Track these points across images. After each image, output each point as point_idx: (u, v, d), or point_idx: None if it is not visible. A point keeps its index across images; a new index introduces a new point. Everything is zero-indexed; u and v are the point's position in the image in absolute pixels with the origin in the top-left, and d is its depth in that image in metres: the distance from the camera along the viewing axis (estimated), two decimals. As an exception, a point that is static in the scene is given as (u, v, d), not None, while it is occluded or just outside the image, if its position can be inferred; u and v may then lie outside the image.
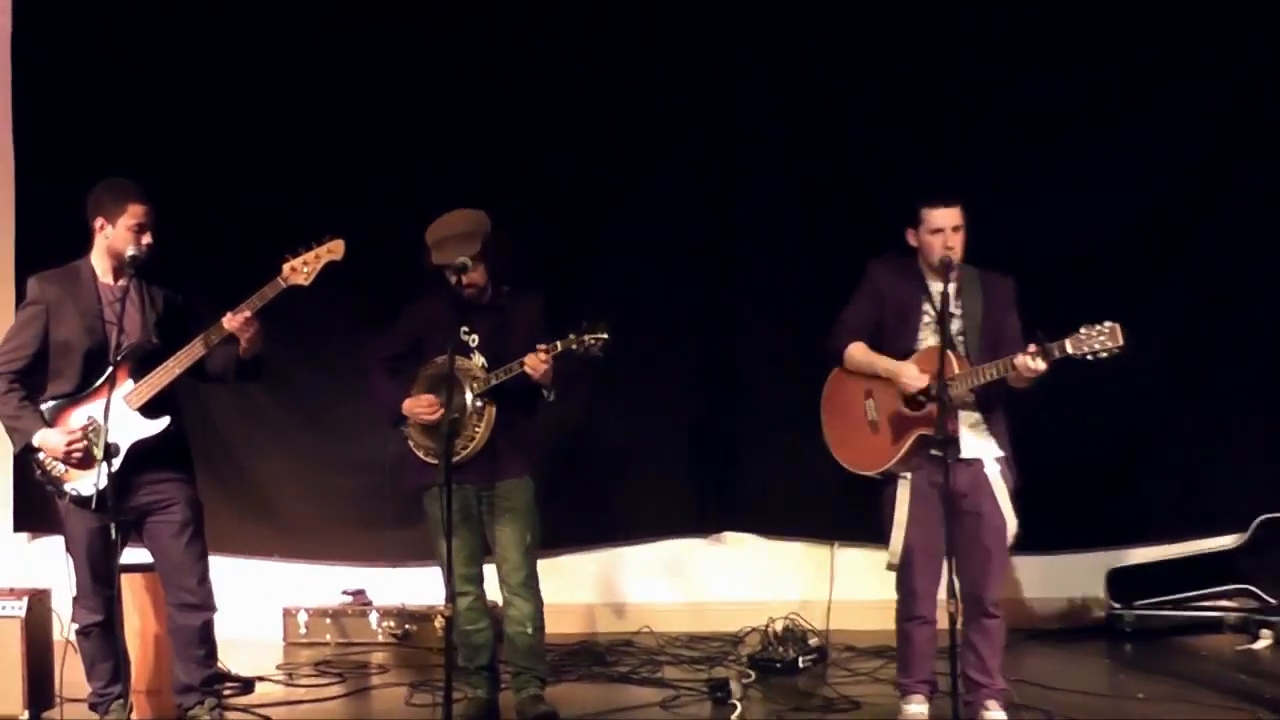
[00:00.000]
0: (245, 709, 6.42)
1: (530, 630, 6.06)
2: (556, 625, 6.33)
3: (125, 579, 5.81)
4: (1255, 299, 7.69)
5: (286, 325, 6.98)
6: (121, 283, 5.64)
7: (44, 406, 5.61)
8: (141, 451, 5.56)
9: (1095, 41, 7.66)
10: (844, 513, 7.57)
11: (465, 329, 6.01)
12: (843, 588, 7.74)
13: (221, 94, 7.93)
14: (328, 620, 7.92)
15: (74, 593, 5.68)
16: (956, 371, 5.55)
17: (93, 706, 5.84)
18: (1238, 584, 7.61)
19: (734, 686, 6.45)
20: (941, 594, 5.48)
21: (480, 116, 7.95)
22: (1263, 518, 7.67)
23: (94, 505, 5.45)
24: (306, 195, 7.61)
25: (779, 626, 7.23)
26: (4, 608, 6.25)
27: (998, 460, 5.73)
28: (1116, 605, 7.69)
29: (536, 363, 5.74)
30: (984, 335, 5.72)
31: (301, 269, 5.61)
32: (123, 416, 5.50)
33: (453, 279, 5.86)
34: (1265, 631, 7.35)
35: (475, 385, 5.89)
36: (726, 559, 8.21)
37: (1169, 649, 7.39)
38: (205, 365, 5.69)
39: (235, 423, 8.12)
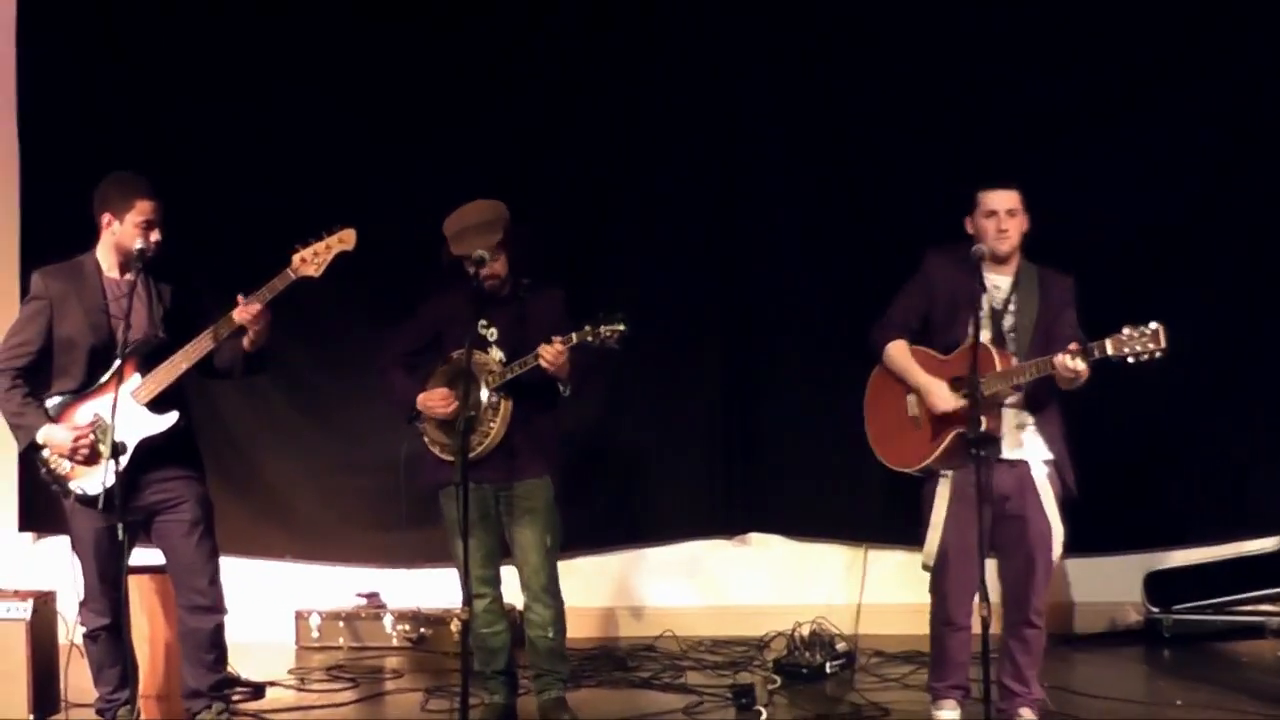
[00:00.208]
0: (256, 715, 6.43)
1: (552, 634, 6.05)
2: (576, 629, 6.32)
3: (133, 581, 5.77)
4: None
5: (297, 322, 7.04)
6: (128, 277, 5.64)
7: (48, 403, 5.60)
8: (149, 449, 5.54)
9: (1096, 41, 7.68)
10: (874, 514, 7.60)
11: (483, 322, 5.99)
12: (871, 591, 7.72)
13: (221, 94, 7.99)
14: (341, 623, 7.91)
15: (80, 595, 5.67)
16: (997, 368, 5.52)
17: (100, 712, 5.81)
18: (1280, 587, 7.57)
19: (759, 692, 6.46)
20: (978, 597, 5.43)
21: (480, 116, 8.01)
22: (1306, 518, 7.61)
23: (101, 505, 5.43)
24: (306, 195, 7.65)
25: (805, 631, 7.19)
26: (9, 610, 6.24)
27: (1046, 463, 5.68)
28: (1154, 609, 7.64)
29: (552, 355, 5.72)
30: (1037, 334, 5.66)
31: (312, 260, 5.61)
32: (130, 413, 5.48)
33: (472, 270, 5.84)
34: (1308, 636, 7.33)
35: (491, 380, 5.87)
36: (751, 561, 8.19)
37: (1208, 654, 7.34)
38: (212, 360, 5.67)
39: (247, 421, 8.15)
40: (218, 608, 5.75)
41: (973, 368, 5.36)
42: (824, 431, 7.82)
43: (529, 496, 6.01)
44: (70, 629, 6.05)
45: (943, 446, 5.65)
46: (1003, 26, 7.68)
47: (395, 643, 7.81)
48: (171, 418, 5.59)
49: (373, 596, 8.04)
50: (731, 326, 8.10)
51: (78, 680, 6.09)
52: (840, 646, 7.15)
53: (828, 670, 6.98)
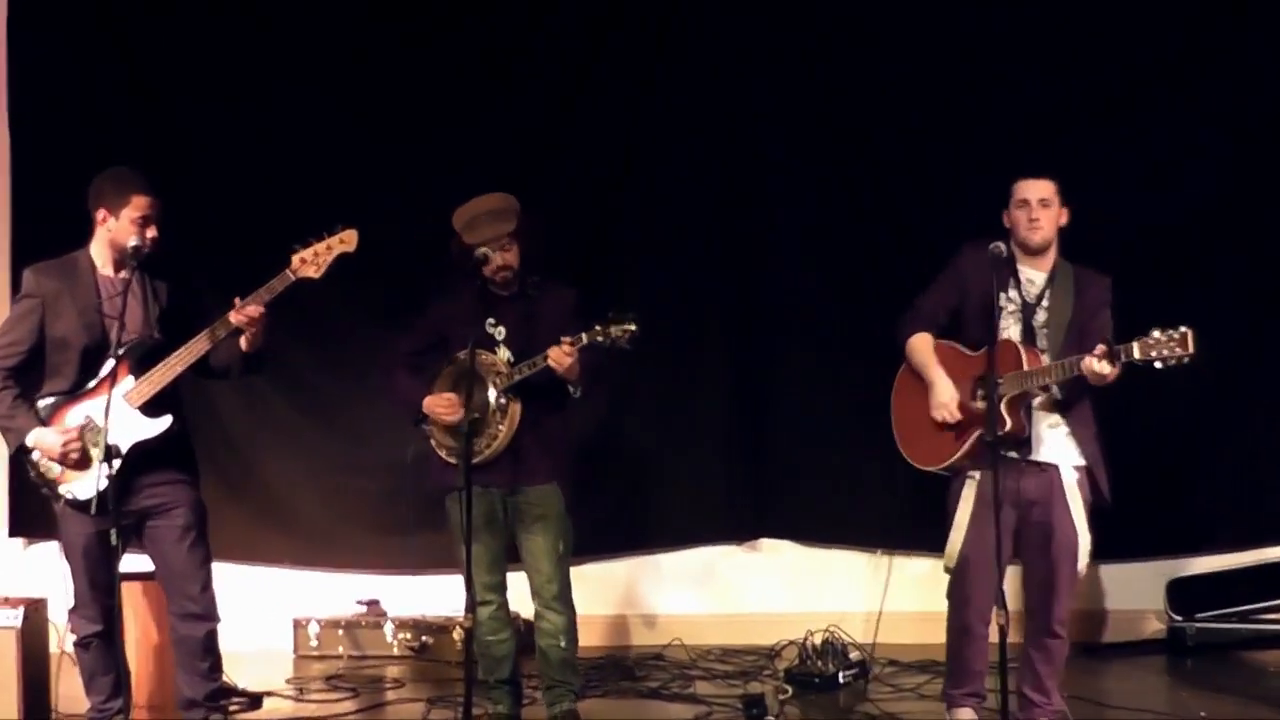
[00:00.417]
0: (253, 725, 6.44)
1: (563, 644, 6.03)
2: (583, 637, 6.30)
3: (125, 587, 5.76)
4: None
5: (298, 323, 7.05)
6: (123, 275, 5.61)
7: (40, 404, 5.57)
8: (142, 452, 5.51)
9: (1096, 41, 7.72)
10: (889, 519, 7.61)
11: (491, 321, 5.98)
12: (886, 599, 7.70)
13: (221, 94, 8.02)
14: (340, 632, 7.90)
15: (71, 602, 5.65)
16: (1024, 367, 5.49)
17: (91, 722, 5.80)
18: (1307, 596, 7.55)
19: (770, 703, 6.45)
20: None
21: (480, 116, 8.06)
22: (1334, 525, 7.59)
23: (93, 509, 5.41)
24: (307, 195, 7.67)
25: (818, 639, 7.16)
26: (-1, 618, 6.25)
27: (1077, 469, 5.64)
28: (1177, 617, 7.64)
29: (561, 355, 5.70)
30: (1069, 334, 5.63)
31: (312, 261, 5.58)
32: (123, 416, 5.45)
33: (478, 267, 5.80)
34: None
35: (499, 381, 5.85)
36: (762, 568, 8.21)
37: (1233, 664, 7.35)
38: (208, 361, 5.64)
39: (244, 423, 8.16)
40: (210, 615, 5.71)
41: (989, 368, 5.35)
42: (836, 433, 7.86)
43: (540, 503, 5.99)
44: (61, 636, 6.04)
45: (966, 446, 5.63)
46: (1003, 26, 7.74)
47: (396, 651, 7.81)
48: (165, 422, 5.55)
49: (373, 604, 8.03)
50: (738, 326, 8.15)
51: (69, 689, 6.08)
52: (854, 655, 7.13)
53: (841, 680, 6.95)
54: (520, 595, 6.18)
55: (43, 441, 5.50)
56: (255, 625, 7.62)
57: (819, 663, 7.02)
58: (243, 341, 5.58)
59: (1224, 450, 7.75)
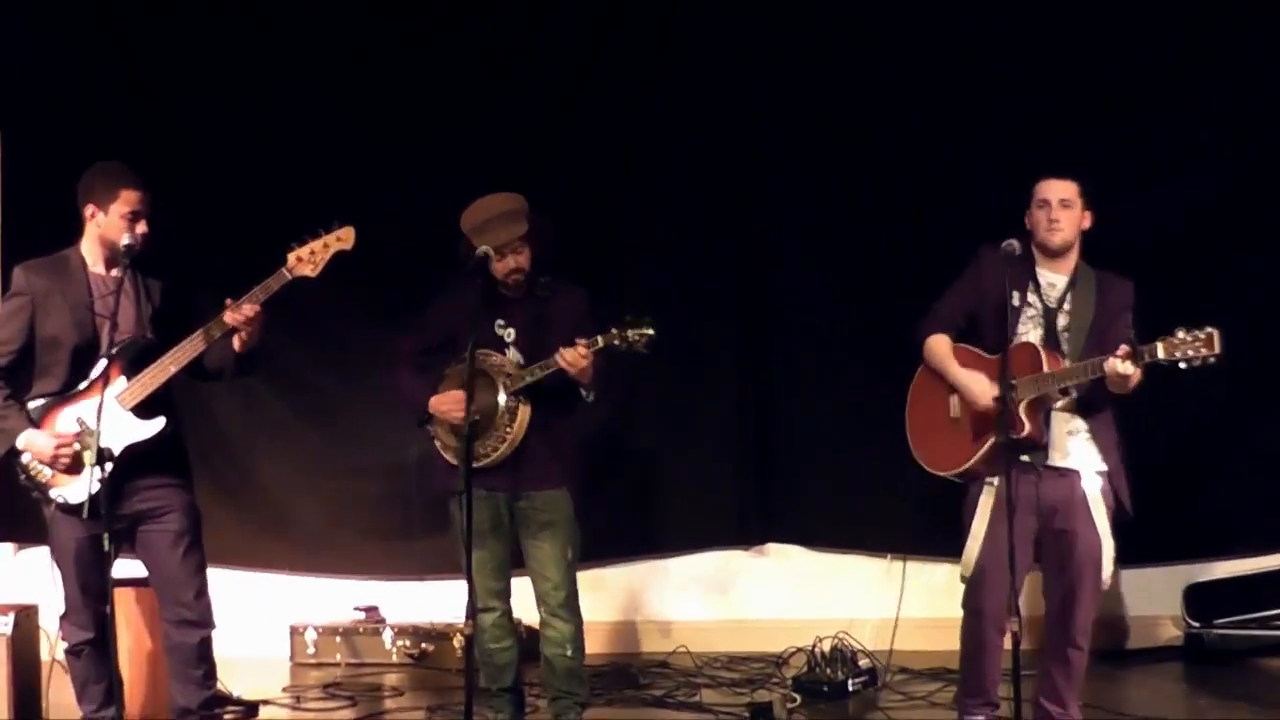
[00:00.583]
0: (249, 734, 6.43)
1: (570, 652, 6.00)
2: (587, 644, 6.28)
3: (118, 593, 5.75)
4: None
5: (295, 323, 7.06)
6: (115, 273, 5.58)
7: (30, 406, 5.54)
8: (134, 455, 5.49)
9: (1096, 41, 7.75)
10: (899, 524, 7.60)
11: (500, 322, 5.96)
12: (897, 605, 7.70)
13: (221, 93, 8.06)
14: (338, 639, 7.90)
15: (62, 608, 5.63)
16: (1045, 370, 5.47)
17: (84, 731, 5.79)
18: (1328, 601, 7.52)
19: (778, 711, 6.45)
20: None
21: (480, 116, 8.10)
22: (1356, 529, 7.57)
23: (85, 513, 5.38)
24: (307, 195, 7.68)
25: (826, 646, 7.16)
26: (-11, 625, 6.24)
27: (1099, 474, 5.61)
28: (1195, 624, 7.64)
29: (575, 358, 5.67)
30: (1090, 338, 5.60)
31: (309, 259, 5.57)
32: (114, 418, 5.42)
33: (486, 259, 5.78)
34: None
35: (509, 383, 5.83)
36: (769, 573, 8.22)
37: (1252, 671, 7.34)
38: (202, 361, 5.62)
39: (240, 425, 8.17)
40: (204, 622, 5.69)
41: (1003, 370, 5.32)
42: (845, 437, 7.89)
43: (547, 508, 5.96)
44: (53, 644, 6.02)
45: (982, 451, 5.60)
46: (1003, 26, 7.77)
47: (395, 659, 7.80)
48: (158, 424, 5.54)
49: (372, 610, 8.03)
50: (742, 327, 8.19)
51: (60, 698, 6.08)
52: (863, 663, 7.12)
53: (850, 688, 6.95)
54: (522, 601, 6.16)
55: (34, 444, 5.48)
56: (251, 632, 7.60)
57: (828, 670, 7.02)
58: (236, 341, 5.56)
59: (1242, 452, 7.71)
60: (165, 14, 8.07)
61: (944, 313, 5.84)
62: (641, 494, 8.16)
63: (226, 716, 6.40)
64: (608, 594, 8.05)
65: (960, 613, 5.79)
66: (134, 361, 5.54)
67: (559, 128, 8.10)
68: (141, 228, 5.55)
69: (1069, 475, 5.59)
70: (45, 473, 5.51)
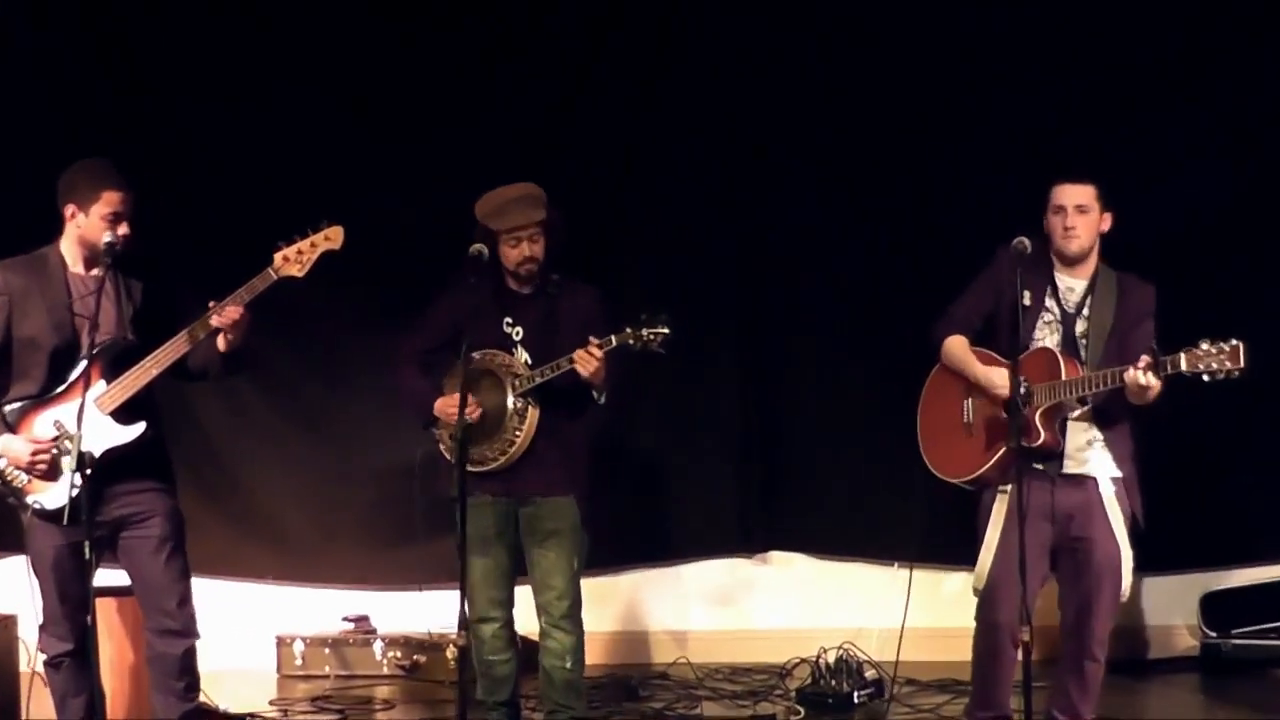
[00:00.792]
0: (234, 749, 6.41)
1: (569, 665, 5.97)
2: (586, 656, 6.27)
3: (99, 603, 5.66)
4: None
5: (283, 324, 7.05)
6: (95, 273, 5.56)
7: (6, 409, 5.52)
8: (115, 460, 5.46)
9: (1096, 41, 7.78)
10: (906, 531, 7.53)
11: (509, 320, 5.94)
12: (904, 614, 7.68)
13: (221, 93, 8.07)
14: (327, 650, 7.87)
15: (41, 619, 5.60)
16: (1063, 377, 5.43)
17: (64, 745, 5.76)
18: (1350, 611, 7.50)
19: (781, 724, 6.41)
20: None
21: (480, 116, 8.13)
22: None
23: (64, 519, 5.35)
24: (306, 195, 7.68)
25: (831, 657, 7.14)
26: (-36, 636, 6.22)
27: (1114, 481, 5.59)
28: (1212, 633, 7.63)
29: (588, 358, 5.64)
30: (1109, 343, 5.59)
31: (295, 259, 5.57)
32: (94, 422, 5.39)
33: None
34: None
35: (517, 384, 5.80)
36: (772, 581, 8.22)
37: (1271, 683, 7.32)
38: (186, 362, 5.60)
39: (226, 430, 8.14)
40: (188, 632, 5.66)
41: (1012, 374, 5.28)
42: (852, 441, 7.92)
43: (554, 516, 5.93)
44: (31, 655, 6.00)
45: (995, 459, 5.58)
46: (1003, 26, 7.81)
47: (386, 671, 7.77)
48: (138, 428, 5.51)
49: (362, 620, 8.00)
50: (744, 328, 8.21)
51: (40, 711, 6.06)
52: (869, 674, 7.10)
53: (856, 700, 6.94)
54: (518, 611, 6.15)
55: (10, 449, 5.45)
56: (236, 643, 7.61)
57: (833, 682, 7.00)
58: (220, 341, 5.54)
59: (1259, 457, 7.71)
60: (166, 14, 8.09)
61: (960, 314, 5.82)
62: (640, 500, 8.14)
63: (211, 730, 6.37)
64: (605, 603, 8.00)
65: (969, 623, 5.78)
66: (114, 364, 5.52)
67: (559, 128, 8.14)
68: (123, 229, 5.51)
69: (1085, 481, 5.58)
70: (21, 478, 5.48)
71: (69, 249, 5.62)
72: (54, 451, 5.43)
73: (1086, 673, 5.64)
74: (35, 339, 5.52)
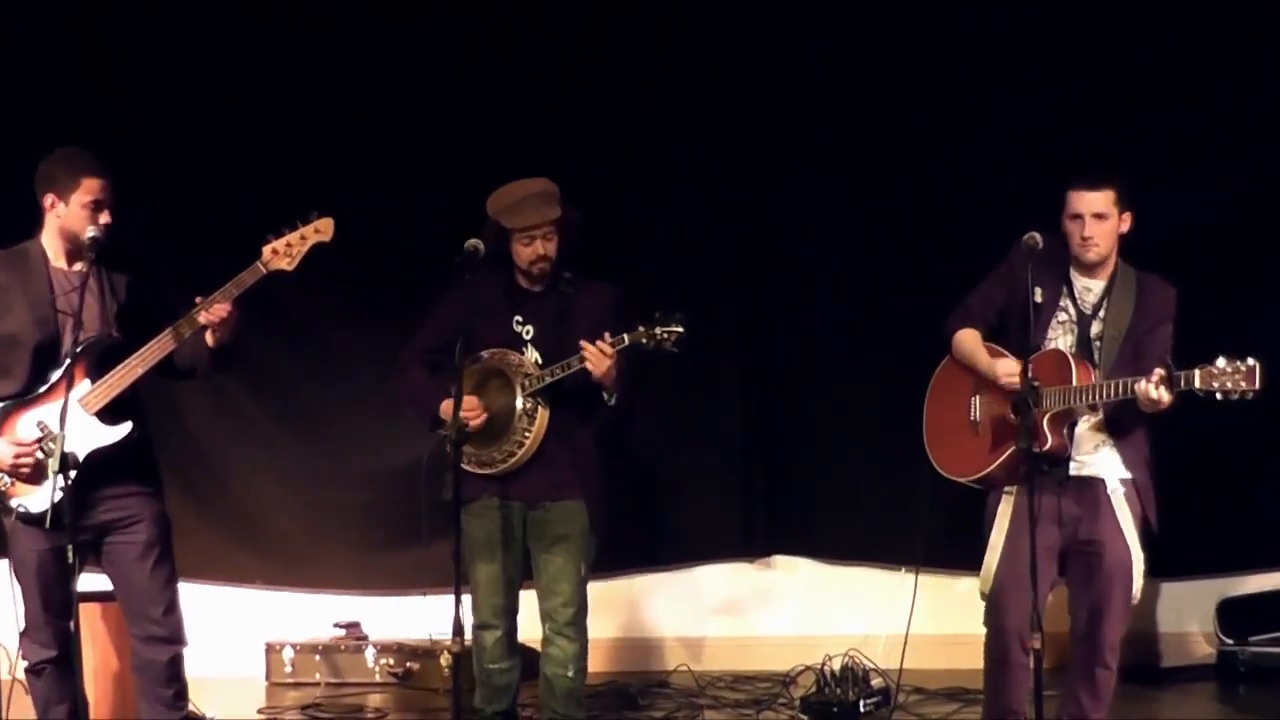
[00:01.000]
0: (222, 758, 6.40)
1: (571, 673, 5.94)
2: (587, 664, 6.29)
3: (83, 609, 5.66)
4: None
5: (276, 323, 7.04)
6: (78, 267, 5.52)
7: (-11, 410, 5.49)
8: (100, 461, 5.42)
9: (1096, 41, 7.82)
10: (914, 535, 7.52)
11: (519, 319, 5.92)
12: (911, 621, 7.67)
13: (220, 93, 8.11)
14: (317, 657, 7.88)
15: (22, 625, 5.56)
16: (1074, 381, 5.41)
17: (46, 755, 5.73)
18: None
19: (785, 734, 6.40)
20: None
21: (480, 116, 8.18)
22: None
23: (47, 524, 5.33)
24: (306, 195, 7.56)
25: (836, 665, 7.11)
26: (-55, 643, 6.20)
27: (1123, 482, 5.56)
28: (1229, 640, 7.64)
29: (599, 357, 5.61)
30: (1125, 347, 5.56)
31: (285, 252, 5.54)
32: (78, 422, 5.35)
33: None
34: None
35: (527, 384, 5.77)
36: (776, 587, 8.24)
37: (1289, 692, 7.29)
38: (173, 360, 5.56)
39: (214, 430, 8.15)
40: (175, 639, 5.63)
41: (1023, 374, 5.27)
42: (854, 442, 7.96)
43: (563, 521, 5.91)
44: (13, 663, 5.98)
45: (1002, 459, 5.55)
46: (1003, 26, 7.86)
47: (378, 678, 7.78)
48: (124, 428, 5.48)
49: (353, 627, 8.00)
50: (746, 329, 8.24)
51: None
52: (876, 682, 7.08)
53: (862, 709, 6.91)
54: (519, 616, 6.12)
55: (-8, 451, 5.43)
56: (225, 650, 7.61)
57: (838, 690, 6.98)
58: (209, 337, 5.49)
59: (1276, 461, 7.69)
60: (166, 14, 8.12)
61: (975, 307, 5.79)
62: (642, 504, 8.14)
63: (198, 739, 6.36)
64: (606, 609, 7.96)
65: (978, 629, 5.76)
66: (99, 362, 5.48)
67: (559, 128, 8.18)
68: (105, 217, 5.47)
69: (1093, 483, 5.55)
70: (4, 481, 5.44)
71: (50, 242, 5.58)
72: (38, 453, 5.40)
73: (1098, 680, 5.61)
74: (17, 336, 5.48)
